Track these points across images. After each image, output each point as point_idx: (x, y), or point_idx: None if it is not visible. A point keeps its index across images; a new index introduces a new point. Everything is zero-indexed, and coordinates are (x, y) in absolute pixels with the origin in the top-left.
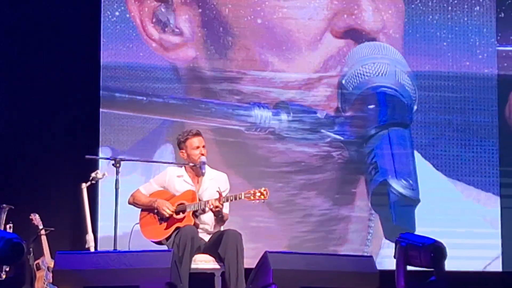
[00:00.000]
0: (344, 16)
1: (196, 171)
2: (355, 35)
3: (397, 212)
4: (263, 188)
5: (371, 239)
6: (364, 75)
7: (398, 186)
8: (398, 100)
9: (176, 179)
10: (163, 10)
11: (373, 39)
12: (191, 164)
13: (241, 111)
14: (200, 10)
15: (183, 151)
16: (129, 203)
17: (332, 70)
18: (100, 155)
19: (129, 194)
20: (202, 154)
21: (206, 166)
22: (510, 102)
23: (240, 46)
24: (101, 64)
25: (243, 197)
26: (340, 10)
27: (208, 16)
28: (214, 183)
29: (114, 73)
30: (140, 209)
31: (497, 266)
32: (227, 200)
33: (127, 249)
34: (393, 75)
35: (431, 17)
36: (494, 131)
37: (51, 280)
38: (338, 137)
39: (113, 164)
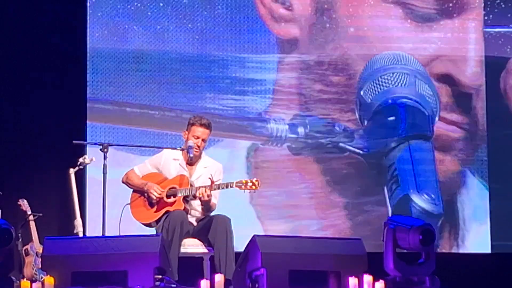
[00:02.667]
0: None
1: (185, 157)
2: None
3: None
4: (255, 179)
5: None
6: (383, 85)
7: (420, 200)
8: (419, 112)
9: (172, 161)
10: None
11: None
12: (179, 147)
13: (257, 123)
14: None
15: (186, 132)
16: (122, 182)
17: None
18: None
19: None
20: (198, 146)
21: (203, 154)
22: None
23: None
24: (88, 48)
25: (234, 186)
26: None
27: (322, 3)
28: (208, 171)
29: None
30: (131, 190)
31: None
32: (218, 188)
33: (117, 228)
34: (413, 85)
35: None
36: None
37: (40, 266)
38: (357, 150)
39: (100, 149)
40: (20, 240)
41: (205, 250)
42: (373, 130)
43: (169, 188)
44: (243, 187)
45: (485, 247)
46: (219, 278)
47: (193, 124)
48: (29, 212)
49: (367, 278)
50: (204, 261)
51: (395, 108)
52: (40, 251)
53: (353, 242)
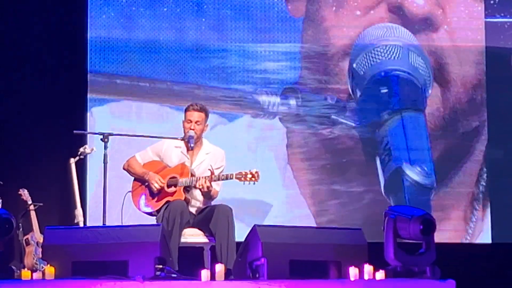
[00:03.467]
0: None
1: (186, 144)
2: None
3: (412, 200)
4: (254, 170)
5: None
6: (376, 58)
7: (412, 173)
8: (411, 84)
9: (174, 149)
10: None
11: None
12: (179, 137)
13: (248, 96)
14: None
15: (183, 120)
16: (124, 169)
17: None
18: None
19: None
20: (191, 129)
21: (205, 141)
22: None
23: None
24: (88, 38)
25: (234, 178)
26: None
27: None
28: (210, 158)
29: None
30: (133, 178)
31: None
32: (218, 179)
33: (117, 219)
34: (406, 57)
35: None
36: None
37: (40, 255)
38: (349, 123)
39: (101, 139)
40: (21, 230)
41: (206, 240)
42: (366, 103)
43: (170, 178)
44: (242, 178)
45: (485, 237)
46: (219, 268)
47: (186, 111)
48: (29, 202)
49: (368, 268)
50: (204, 251)
51: (387, 81)
52: (41, 240)
53: (353, 232)
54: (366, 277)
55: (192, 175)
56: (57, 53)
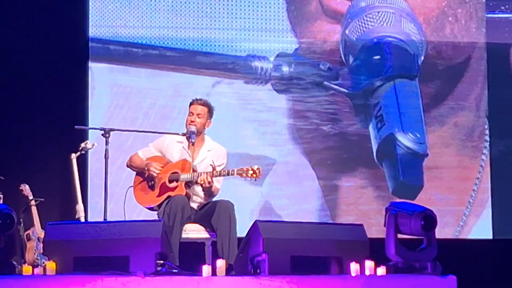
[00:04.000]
0: None
1: (188, 140)
2: None
3: (404, 167)
4: (256, 166)
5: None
6: (368, 24)
7: (405, 140)
8: (404, 51)
9: (176, 144)
10: None
11: None
12: (180, 133)
13: (241, 62)
14: None
15: (187, 114)
16: (127, 166)
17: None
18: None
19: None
20: (192, 121)
21: (207, 137)
22: None
23: None
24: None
25: (235, 174)
26: None
27: None
28: (212, 154)
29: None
30: (135, 173)
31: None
32: (220, 175)
33: (118, 214)
34: (399, 24)
35: None
36: None
37: (41, 251)
38: (342, 89)
39: (102, 134)
40: (22, 225)
41: (207, 236)
42: (358, 69)
43: (171, 173)
44: (244, 175)
45: (487, 233)
46: (220, 263)
47: (190, 105)
48: (30, 197)
49: (369, 264)
50: (206, 247)
51: (380, 47)
52: (42, 236)
53: (355, 228)
54: (367, 273)
55: (194, 170)
56: (57, 47)
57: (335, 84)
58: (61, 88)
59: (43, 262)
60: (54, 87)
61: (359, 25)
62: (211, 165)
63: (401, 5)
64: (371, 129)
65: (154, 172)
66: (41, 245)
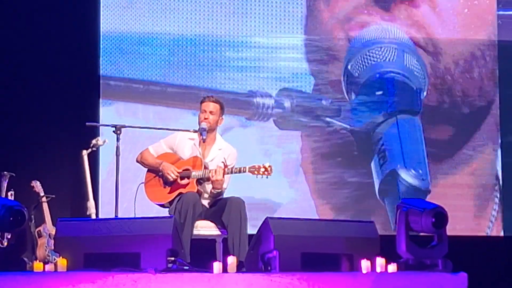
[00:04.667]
0: None
1: (199, 137)
2: None
3: None
4: (267, 164)
5: None
6: (371, 60)
7: (407, 176)
8: (406, 86)
9: (187, 141)
10: None
11: None
12: (191, 129)
13: (242, 98)
14: None
15: (199, 113)
16: (137, 161)
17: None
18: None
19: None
20: (205, 119)
21: (218, 136)
22: None
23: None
24: (101, 32)
25: (247, 171)
26: None
27: None
28: (222, 153)
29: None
30: (146, 170)
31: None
32: (231, 172)
33: (130, 211)
34: (401, 59)
35: None
36: None
37: (52, 247)
38: (344, 125)
39: (113, 131)
40: (33, 221)
41: (218, 232)
42: (360, 105)
43: (183, 170)
44: (255, 172)
45: (497, 230)
46: (231, 260)
47: (201, 102)
48: (42, 194)
49: (380, 261)
50: (216, 243)
51: (382, 83)
52: (53, 232)
53: (365, 225)
54: (378, 269)
55: (205, 167)
56: (69, 45)
57: (337, 120)
58: (73, 84)
59: (54, 259)
60: (65, 84)
61: (361, 60)
62: (222, 162)
63: (404, 40)
64: (373, 165)
65: (171, 176)
66: (52, 241)
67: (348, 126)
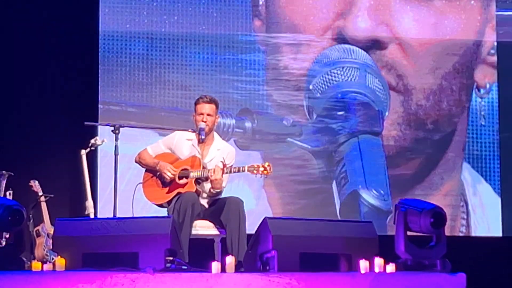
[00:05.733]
0: None
1: (197, 137)
2: None
3: None
4: (266, 163)
5: None
6: (332, 80)
7: (369, 196)
8: (368, 107)
9: (185, 141)
10: None
11: None
12: (190, 129)
13: None
14: None
15: (194, 113)
16: (135, 162)
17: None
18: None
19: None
20: (204, 121)
21: (216, 136)
22: None
23: None
24: (100, 30)
25: (246, 170)
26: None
27: None
28: (221, 153)
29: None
30: (144, 170)
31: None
32: (230, 171)
33: (128, 210)
34: (363, 79)
35: None
36: None
37: (51, 247)
38: (305, 145)
39: (112, 131)
40: (31, 221)
41: (217, 232)
42: (322, 125)
43: (181, 170)
44: (255, 171)
45: (496, 230)
46: (230, 260)
47: (196, 104)
48: (40, 193)
49: (378, 261)
50: (215, 243)
51: (344, 103)
52: (51, 232)
53: (364, 225)
54: (376, 270)
55: (204, 167)
56: (68, 45)
57: (298, 141)
58: (71, 84)
59: (53, 258)
60: (64, 83)
61: (323, 80)
62: (221, 161)
63: (365, 60)
64: (335, 186)
65: (168, 175)
66: (51, 241)
67: (309, 147)
